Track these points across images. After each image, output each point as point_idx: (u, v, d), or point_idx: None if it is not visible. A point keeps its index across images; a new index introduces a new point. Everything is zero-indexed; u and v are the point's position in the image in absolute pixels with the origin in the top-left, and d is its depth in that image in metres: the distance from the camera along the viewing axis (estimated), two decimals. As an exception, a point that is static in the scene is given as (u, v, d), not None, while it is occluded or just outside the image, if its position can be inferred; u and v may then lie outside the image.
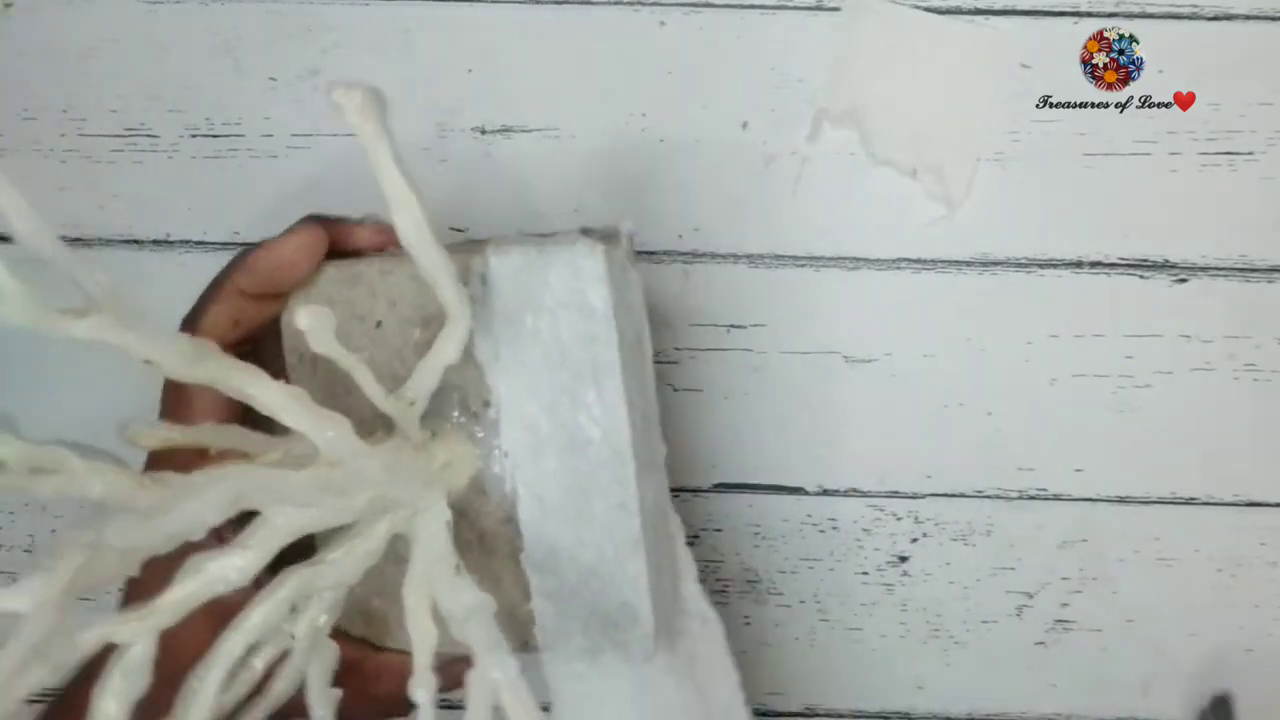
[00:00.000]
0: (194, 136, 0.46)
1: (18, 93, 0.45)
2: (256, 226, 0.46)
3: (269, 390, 0.29)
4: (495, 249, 0.33)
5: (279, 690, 0.30)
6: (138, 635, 0.27)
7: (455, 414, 0.34)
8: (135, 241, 0.46)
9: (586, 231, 0.34)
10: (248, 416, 0.31)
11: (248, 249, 0.34)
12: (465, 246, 0.34)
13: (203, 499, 0.26)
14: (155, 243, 0.46)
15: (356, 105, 0.30)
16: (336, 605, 0.31)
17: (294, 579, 0.30)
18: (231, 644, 0.29)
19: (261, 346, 0.35)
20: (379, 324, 0.34)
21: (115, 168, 0.46)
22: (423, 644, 0.31)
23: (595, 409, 0.33)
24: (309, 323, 0.28)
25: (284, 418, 0.29)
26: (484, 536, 0.34)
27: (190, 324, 0.34)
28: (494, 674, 0.29)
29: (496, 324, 0.33)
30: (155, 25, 0.45)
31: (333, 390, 0.34)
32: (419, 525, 0.32)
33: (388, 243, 0.35)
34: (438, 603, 0.31)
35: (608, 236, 0.34)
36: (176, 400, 0.34)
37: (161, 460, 0.31)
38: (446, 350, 0.32)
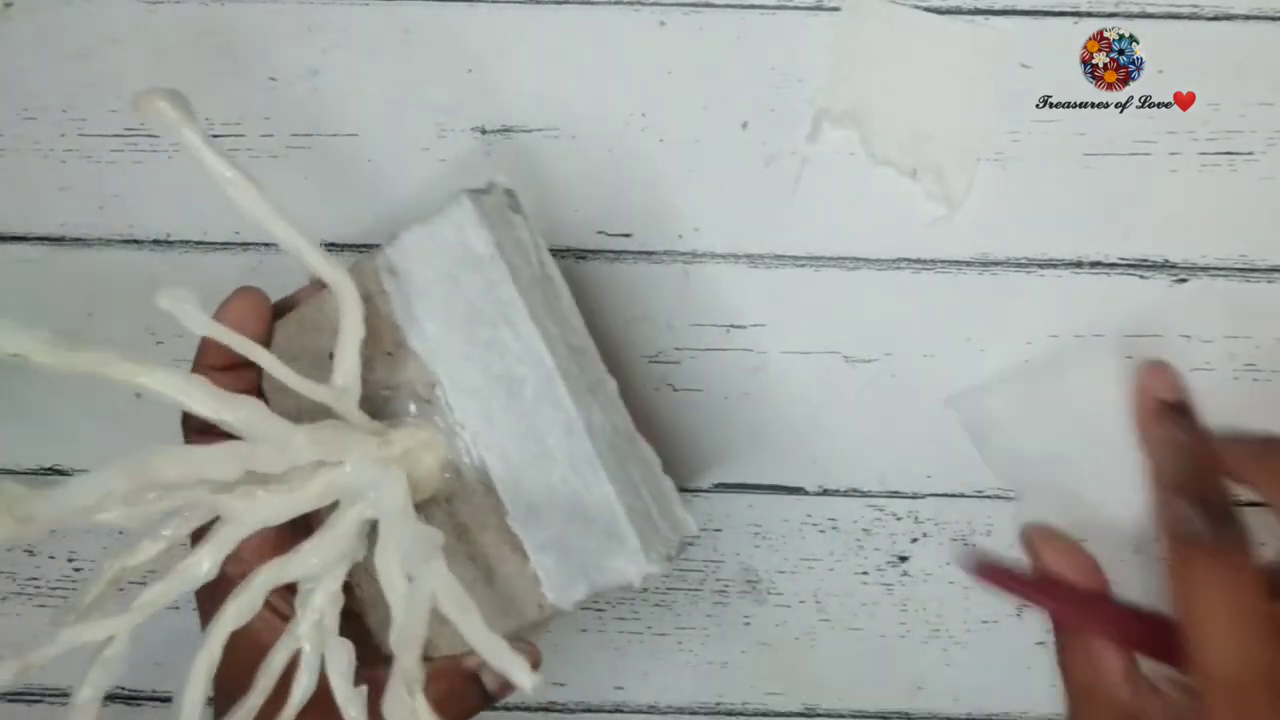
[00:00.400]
0: (194, 136, 0.46)
1: (18, 93, 0.45)
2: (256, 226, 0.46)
3: (164, 378, 0.29)
4: (388, 241, 0.35)
5: (298, 691, 0.31)
6: (116, 630, 0.29)
7: (412, 409, 0.35)
8: (135, 241, 0.46)
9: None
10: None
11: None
12: (367, 254, 0.35)
13: (104, 472, 0.27)
14: (155, 243, 0.46)
15: (167, 114, 0.30)
16: (337, 600, 0.32)
17: (264, 571, 0.31)
18: (212, 641, 0.30)
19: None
20: (331, 355, 0.35)
21: (115, 168, 0.46)
22: (400, 603, 0.31)
23: (515, 347, 0.34)
24: (170, 304, 0.29)
25: (189, 404, 0.29)
26: (474, 515, 0.35)
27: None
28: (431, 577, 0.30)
29: (417, 308, 0.34)
30: (155, 25, 0.45)
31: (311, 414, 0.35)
32: (382, 503, 0.32)
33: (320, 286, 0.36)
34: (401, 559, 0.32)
35: (479, 191, 0.35)
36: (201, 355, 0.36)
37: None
38: (350, 326, 0.33)
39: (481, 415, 0.34)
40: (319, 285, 0.36)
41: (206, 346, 0.35)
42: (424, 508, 0.35)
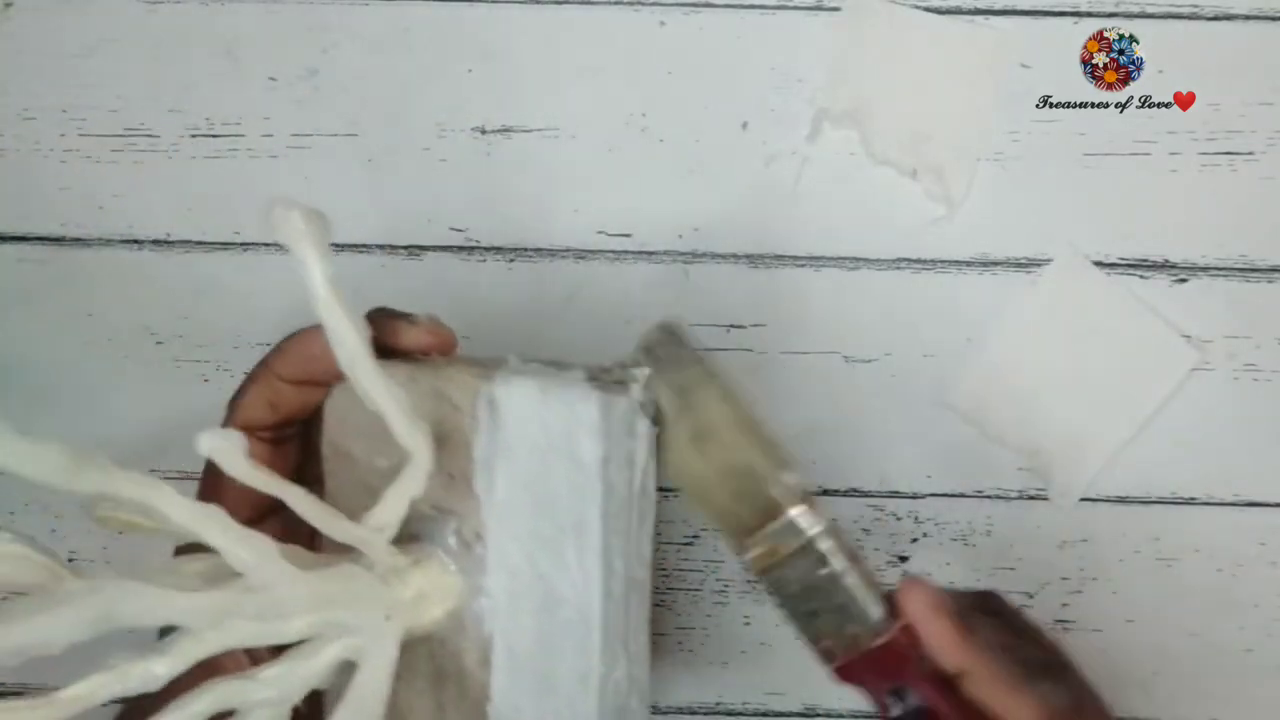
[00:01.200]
0: (194, 136, 0.46)
1: (18, 93, 0.45)
2: (256, 227, 0.46)
3: (176, 506, 0.26)
4: (503, 377, 0.31)
5: None
6: None
7: (451, 541, 0.32)
8: (135, 241, 0.46)
9: (601, 372, 0.32)
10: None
11: (293, 334, 0.33)
12: (481, 363, 0.32)
13: (61, 614, 0.24)
14: (155, 243, 0.46)
15: (296, 227, 0.27)
16: None
17: (216, 690, 0.28)
18: None
19: (312, 430, 0.35)
20: None
21: (115, 168, 0.46)
22: None
23: (572, 568, 0.31)
24: (211, 446, 0.27)
25: (200, 536, 0.27)
26: (462, 674, 0.32)
27: (232, 403, 0.34)
28: None
29: (497, 460, 0.31)
30: (155, 25, 0.45)
31: (369, 485, 0.32)
32: (365, 656, 0.30)
33: (438, 346, 0.33)
34: None
35: (618, 381, 0.32)
36: (208, 484, 0.34)
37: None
38: (410, 484, 0.31)
39: (510, 599, 0.31)
40: (431, 329, 0.33)
41: (284, 353, 0.33)
42: (408, 643, 0.32)
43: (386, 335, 0.33)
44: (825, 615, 0.34)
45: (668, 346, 0.34)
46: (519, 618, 0.32)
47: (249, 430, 0.33)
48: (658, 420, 0.34)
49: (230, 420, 0.33)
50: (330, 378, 0.33)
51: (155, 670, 0.26)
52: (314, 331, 0.32)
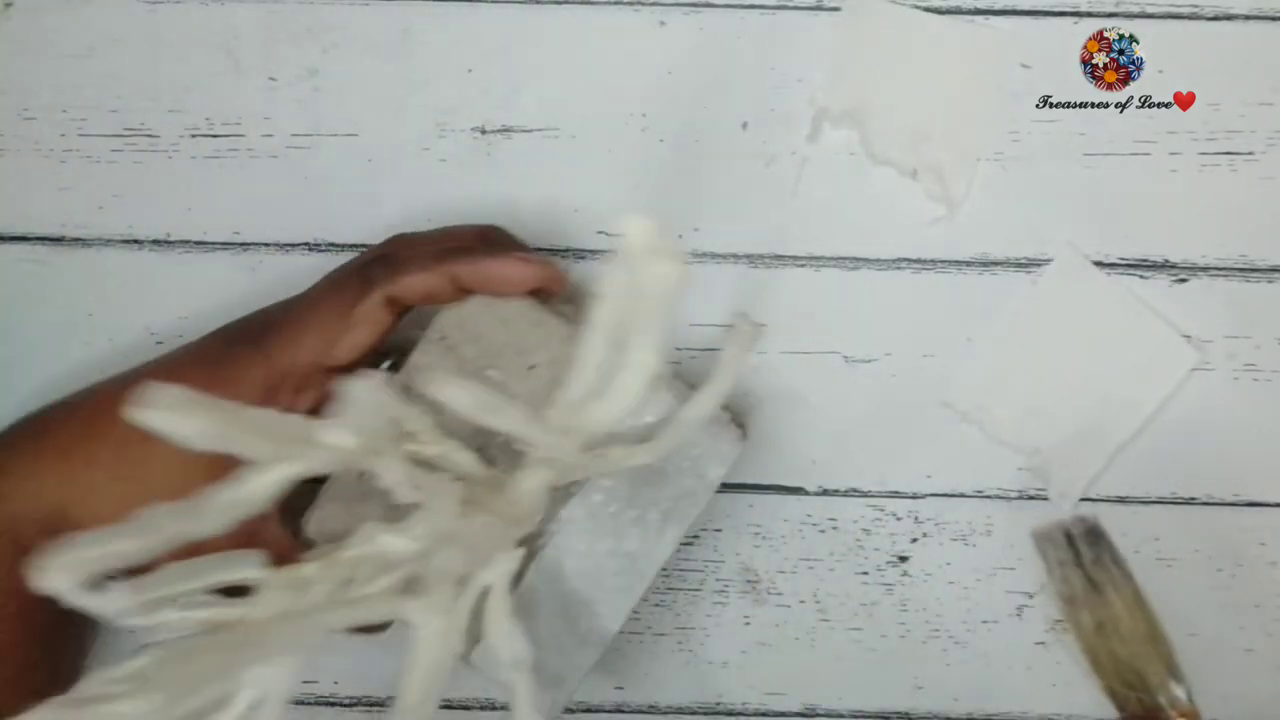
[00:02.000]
0: (194, 136, 0.46)
1: (18, 93, 0.45)
2: (257, 226, 0.46)
3: (468, 462, 0.35)
4: (675, 380, 0.39)
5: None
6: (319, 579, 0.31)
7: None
8: (135, 241, 0.46)
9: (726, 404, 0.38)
10: None
11: (492, 254, 0.38)
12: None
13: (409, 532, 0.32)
14: (155, 243, 0.46)
15: (747, 337, 0.37)
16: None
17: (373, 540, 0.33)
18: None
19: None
20: (531, 367, 0.38)
21: (115, 168, 0.46)
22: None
23: (650, 534, 0.38)
24: (454, 394, 0.32)
25: (432, 508, 0.33)
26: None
27: (390, 265, 0.38)
28: None
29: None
30: (155, 25, 0.45)
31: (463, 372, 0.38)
32: (493, 563, 0.35)
33: (550, 282, 0.39)
34: (488, 638, 0.35)
35: (741, 424, 0.40)
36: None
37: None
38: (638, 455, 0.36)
39: (576, 531, 0.38)
40: (551, 292, 0.40)
41: (476, 268, 0.38)
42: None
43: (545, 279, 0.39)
44: None
45: (1090, 541, 0.42)
46: (577, 541, 0.38)
47: (394, 303, 0.38)
48: (1067, 599, 0.42)
49: (389, 283, 0.37)
50: (492, 292, 0.38)
51: (399, 542, 0.32)
52: (517, 263, 0.38)
